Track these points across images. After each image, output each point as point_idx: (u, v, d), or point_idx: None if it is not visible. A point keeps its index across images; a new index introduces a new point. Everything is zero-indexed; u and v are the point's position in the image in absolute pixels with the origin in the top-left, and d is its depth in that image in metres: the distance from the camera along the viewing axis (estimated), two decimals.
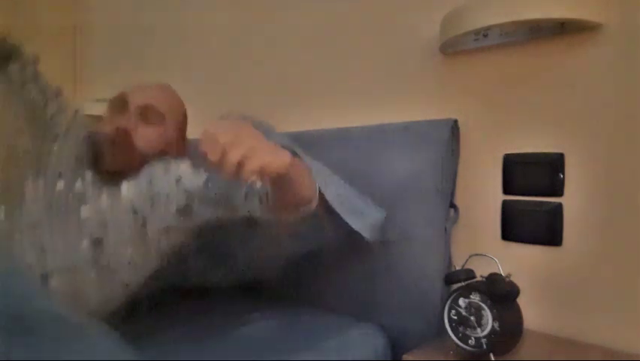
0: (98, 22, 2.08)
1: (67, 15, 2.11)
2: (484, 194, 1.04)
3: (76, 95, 2.11)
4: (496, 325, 0.69)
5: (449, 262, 1.04)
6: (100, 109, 1.93)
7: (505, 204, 1.01)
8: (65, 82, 2.09)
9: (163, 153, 1.00)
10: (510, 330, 0.70)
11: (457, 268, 0.84)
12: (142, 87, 1.05)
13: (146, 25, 1.87)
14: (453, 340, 0.73)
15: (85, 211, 0.91)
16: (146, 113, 1.01)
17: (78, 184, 0.94)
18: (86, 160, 0.98)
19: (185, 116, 1.13)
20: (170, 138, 1.04)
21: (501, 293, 0.70)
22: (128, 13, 1.95)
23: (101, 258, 0.90)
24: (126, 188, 0.93)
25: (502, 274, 0.74)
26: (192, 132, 1.60)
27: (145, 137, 0.99)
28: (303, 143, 1.24)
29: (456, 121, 1.06)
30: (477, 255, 0.83)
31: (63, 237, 0.89)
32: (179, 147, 1.08)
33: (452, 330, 0.73)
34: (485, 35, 1.03)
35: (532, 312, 0.91)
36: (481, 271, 0.81)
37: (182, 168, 0.94)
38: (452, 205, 1.06)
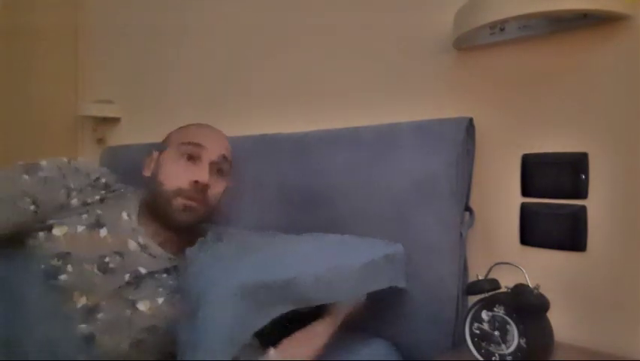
0: (99, 23, 2.05)
1: (67, 15, 2.08)
2: (501, 196, 0.99)
3: (77, 96, 2.08)
4: (523, 341, 0.63)
5: (465, 268, 0.99)
6: (100, 109, 1.91)
7: (523, 207, 0.96)
8: (66, 82, 2.06)
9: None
10: (539, 347, 0.64)
11: (475, 275, 0.78)
12: (211, 135, 1.03)
13: (146, 26, 1.83)
14: (475, 356, 0.68)
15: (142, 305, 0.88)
16: (221, 165, 1.00)
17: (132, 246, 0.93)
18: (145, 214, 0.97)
19: None
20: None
21: (529, 306, 0.64)
22: (128, 13, 1.92)
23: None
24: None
25: (530, 285, 0.69)
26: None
27: (217, 190, 0.99)
28: (311, 143, 1.20)
29: (471, 120, 1.00)
30: (501, 263, 0.77)
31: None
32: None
33: (474, 345, 0.68)
34: (502, 29, 0.97)
35: (554, 322, 0.86)
36: (504, 280, 0.76)
37: None
38: (468, 208, 1.01)
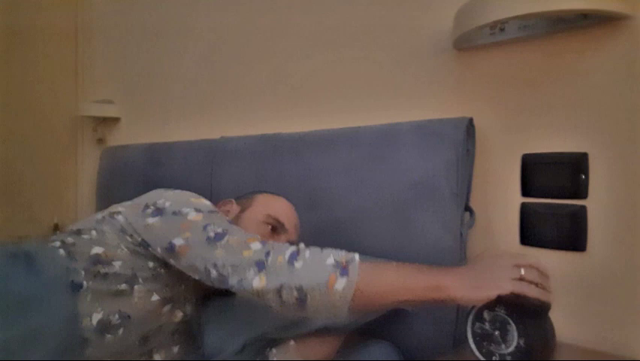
0: (99, 23, 2.05)
1: (67, 15, 2.08)
2: (501, 196, 0.99)
3: (77, 96, 2.07)
4: (522, 342, 0.63)
5: None
6: (100, 109, 1.91)
7: (523, 207, 0.96)
8: (66, 82, 2.06)
9: None
10: (538, 347, 0.64)
11: None
12: (294, 220, 1.03)
13: (146, 26, 1.83)
14: (477, 355, 0.68)
15: None
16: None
17: None
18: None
19: None
20: None
21: (529, 307, 0.64)
22: (128, 13, 1.92)
23: None
24: None
25: None
26: (194, 133, 1.56)
27: None
28: (310, 143, 1.20)
29: (471, 120, 1.00)
30: None
31: None
32: None
33: (476, 345, 0.68)
34: (502, 29, 0.97)
35: (554, 322, 0.86)
36: None
37: None
38: (468, 208, 1.01)
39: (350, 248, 0.74)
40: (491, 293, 0.65)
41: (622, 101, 0.86)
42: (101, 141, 2.00)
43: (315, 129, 1.23)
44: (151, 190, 0.95)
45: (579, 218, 0.89)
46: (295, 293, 0.68)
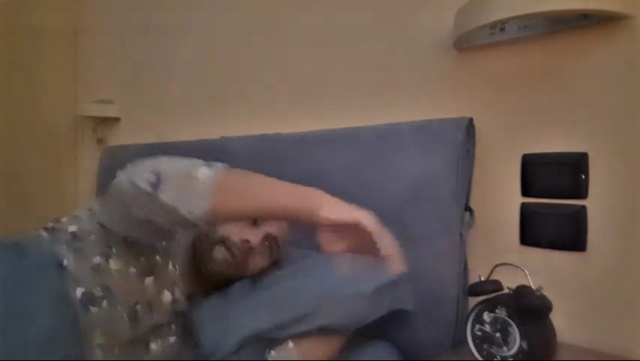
0: (99, 23, 2.05)
1: (68, 16, 2.08)
2: (501, 197, 0.99)
3: (77, 96, 2.07)
4: (525, 344, 0.63)
5: (465, 269, 0.99)
6: (100, 109, 1.91)
7: (524, 207, 0.96)
8: (66, 83, 2.06)
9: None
10: (540, 349, 0.64)
11: (476, 275, 0.78)
12: None
13: (146, 26, 1.83)
14: (476, 358, 0.67)
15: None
16: (271, 243, 0.99)
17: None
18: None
19: None
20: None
21: (530, 309, 0.64)
22: (128, 13, 1.92)
23: None
24: None
25: (532, 287, 0.68)
26: (194, 133, 1.56)
27: (260, 263, 0.99)
28: (310, 143, 1.20)
29: (471, 120, 1.00)
30: (503, 264, 0.77)
31: None
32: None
33: (476, 347, 0.68)
34: (502, 29, 0.97)
35: (554, 322, 0.85)
36: (506, 281, 0.76)
37: None
38: (468, 209, 1.01)
39: None
40: (355, 215, 0.67)
41: (622, 101, 0.86)
42: (101, 141, 2.00)
43: (315, 129, 1.23)
44: None
45: (579, 218, 0.89)
46: (152, 176, 0.69)
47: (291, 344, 0.81)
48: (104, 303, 0.80)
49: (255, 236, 0.96)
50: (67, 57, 2.08)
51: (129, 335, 0.83)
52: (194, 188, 0.68)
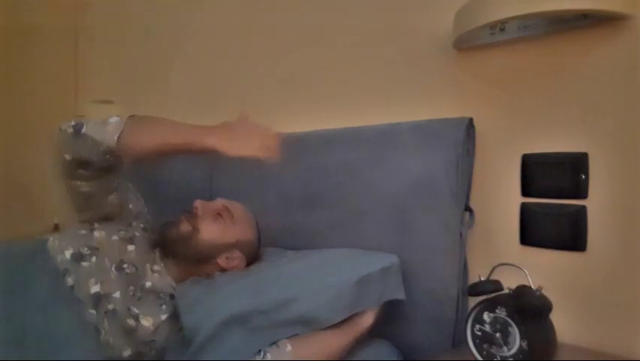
0: (99, 23, 2.05)
1: (67, 15, 2.08)
2: (501, 196, 0.99)
3: (77, 96, 2.07)
4: (525, 344, 0.63)
5: (465, 268, 0.99)
6: (100, 109, 1.91)
7: (523, 207, 0.96)
8: (66, 83, 2.06)
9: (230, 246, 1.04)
10: (540, 349, 0.64)
11: (475, 275, 0.78)
12: (235, 202, 1.12)
13: (147, 26, 1.83)
14: (476, 357, 0.67)
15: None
16: (221, 211, 1.06)
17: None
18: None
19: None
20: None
21: (530, 308, 0.64)
22: (128, 13, 1.92)
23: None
24: None
25: (532, 287, 0.68)
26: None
27: (210, 235, 1.03)
28: (310, 143, 1.20)
29: (471, 120, 1.00)
30: (503, 264, 0.77)
31: None
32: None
33: (476, 347, 0.68)
34: (502, 29, 0.97)
35: (554, 322, 0.86)
36: (506, 281, 0.75)
37: None
38: (468, 208, 1.01)
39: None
40: (243, 149, 0.83)
41: (622, 101, 0.86)
42: None
43: (315, 129, 1.23)
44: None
45: (579, 218, 0.89)
46: (74, 122, 0.92)
47: (289, 348, 0.81)
48: (93, 258, 0.94)
49: (206, 206, 1.05)
50: (68, 57, 2.08)
51: (120, 285, 0.93)
52: (106, 131, 0.88)
